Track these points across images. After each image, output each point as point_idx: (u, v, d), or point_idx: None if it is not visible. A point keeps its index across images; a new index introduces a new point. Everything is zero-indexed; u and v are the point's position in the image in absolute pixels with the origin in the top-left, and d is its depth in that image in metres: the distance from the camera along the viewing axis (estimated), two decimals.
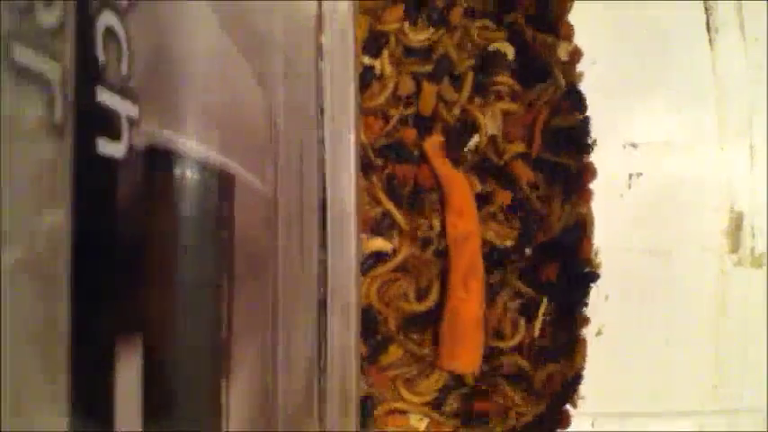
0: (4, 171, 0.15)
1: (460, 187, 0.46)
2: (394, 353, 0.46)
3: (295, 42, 0.32)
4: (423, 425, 0.46)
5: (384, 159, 0.46)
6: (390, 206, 0.46)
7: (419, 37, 0.46)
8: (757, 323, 0.47)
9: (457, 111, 0.46)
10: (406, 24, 0.46)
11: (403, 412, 0.46)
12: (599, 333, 0.47)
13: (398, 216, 0.46)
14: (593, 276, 0.47)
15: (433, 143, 0.46)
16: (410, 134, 0.46)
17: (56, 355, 0.16)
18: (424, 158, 0.46)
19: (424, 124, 0.47)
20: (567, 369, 0.46)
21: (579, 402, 0.47)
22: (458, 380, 0.47)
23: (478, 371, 0.46)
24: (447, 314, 0.45)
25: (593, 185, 0.47)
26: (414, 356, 0.46)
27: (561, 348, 0.47)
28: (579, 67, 0.47)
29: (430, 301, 0.46)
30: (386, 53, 0.46)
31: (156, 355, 0.21)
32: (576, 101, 0.47)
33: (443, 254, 0.46)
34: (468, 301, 0.45)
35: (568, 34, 0.47)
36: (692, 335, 0.48)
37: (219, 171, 0.24)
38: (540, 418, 0.47)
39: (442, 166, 0.46)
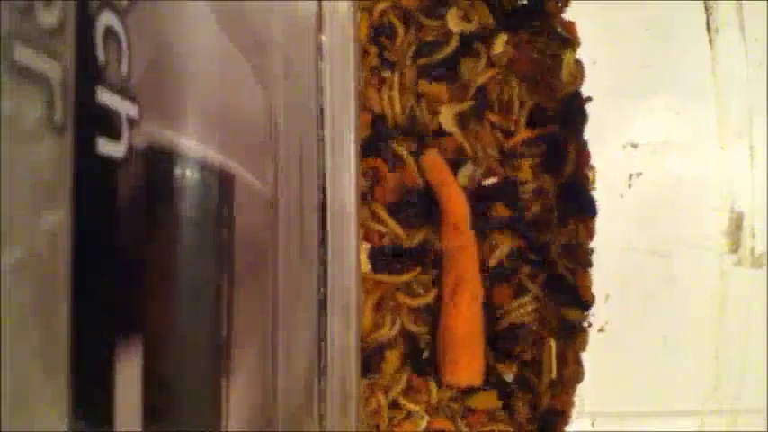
0: (4, 171, 0.15)
1: (457, 201, 0.45)
2: (391, 360, 0.45)
3: (295, 42, 0.32)
4: (423, 423, 0.46)
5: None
6: (388, 219, 0.45)
7: (435, 24, 0.46)
8: (757, 323, 0.47)
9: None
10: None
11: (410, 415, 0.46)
12: (601, 329, 0.47)
13: (393, 226, 0.45)
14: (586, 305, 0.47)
15: (430, 158, 0.45)
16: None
17: (56, 355, 0.16)
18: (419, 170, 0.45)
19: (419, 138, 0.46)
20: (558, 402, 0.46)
21: (579, 403, 0.46)
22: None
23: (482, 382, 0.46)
24: (442, 330, 0.45)
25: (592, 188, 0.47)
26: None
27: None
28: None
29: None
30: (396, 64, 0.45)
31: (156, 355, 0.21)
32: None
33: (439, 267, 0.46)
34: (457, 316, 0.44)
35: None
36: (692, 335, 0.48)
37: (219, 171, 0.24)
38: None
39: (439, 182, 0.45)
